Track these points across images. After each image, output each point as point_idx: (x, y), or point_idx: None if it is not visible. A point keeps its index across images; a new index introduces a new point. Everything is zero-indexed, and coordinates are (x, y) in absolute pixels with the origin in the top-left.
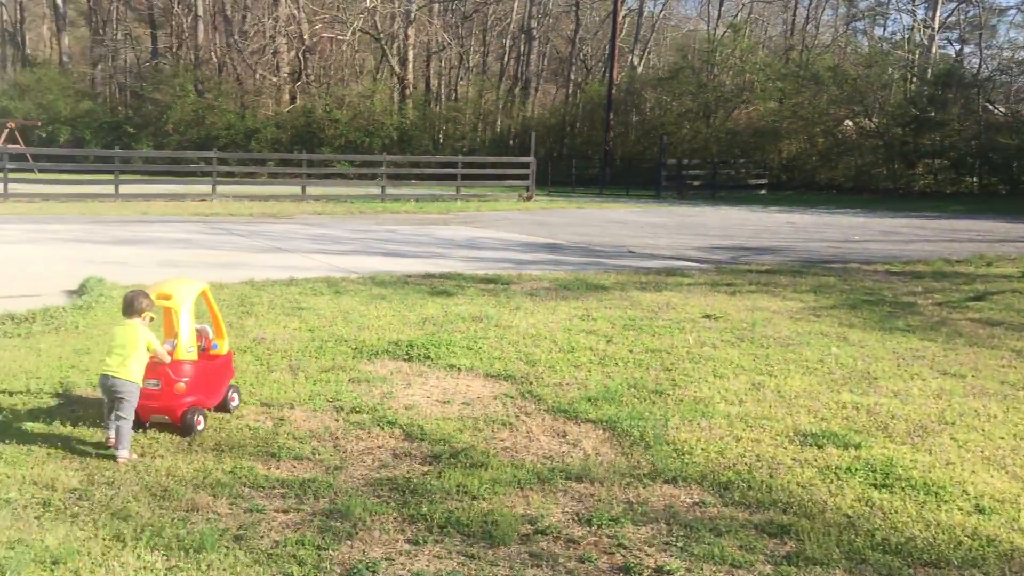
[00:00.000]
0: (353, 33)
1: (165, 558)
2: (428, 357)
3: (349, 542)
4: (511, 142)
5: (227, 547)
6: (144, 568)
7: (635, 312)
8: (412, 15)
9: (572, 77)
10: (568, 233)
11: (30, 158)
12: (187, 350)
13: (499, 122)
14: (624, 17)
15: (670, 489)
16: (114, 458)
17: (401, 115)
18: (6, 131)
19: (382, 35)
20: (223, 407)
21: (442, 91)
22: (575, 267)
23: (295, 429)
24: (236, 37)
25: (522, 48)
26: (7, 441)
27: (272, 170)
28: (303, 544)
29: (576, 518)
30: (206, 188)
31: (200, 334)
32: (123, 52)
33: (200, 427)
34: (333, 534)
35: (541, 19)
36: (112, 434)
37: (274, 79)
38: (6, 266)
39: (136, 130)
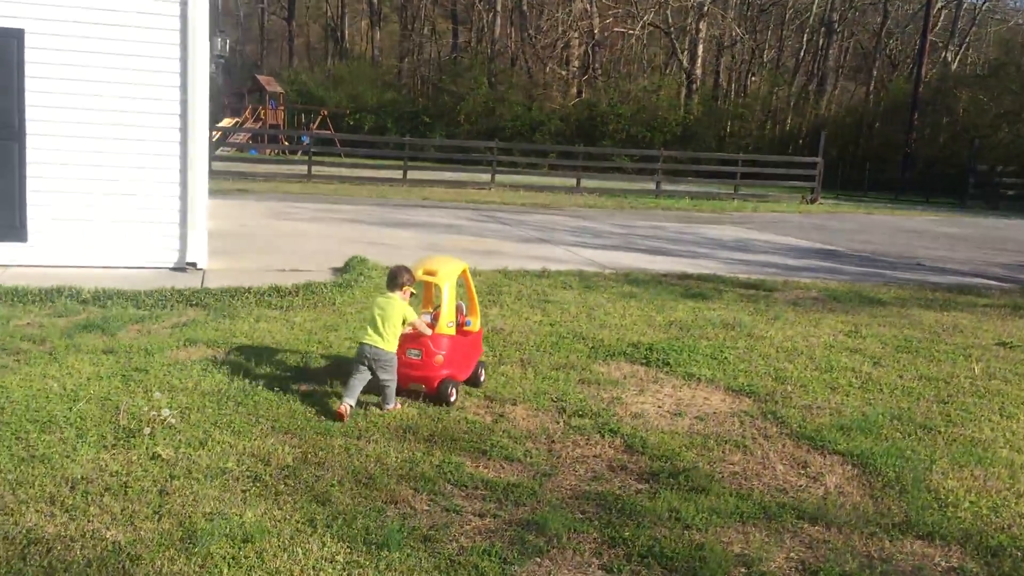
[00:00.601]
0: (643, 27)
1: (348, 550)
2: (667, 363)
3: (538, 559)
4: (800, 141)
5: (412, 547)
6: (325, 558)
7: (913, 332)
8: (705, 8)
9: (874, 74)
10: (849, 240)
11: (338, 143)
12: (447, 324)
13: (789, 120)
14: (940, 9)
15: (922, 546)
16: (380, 408)
17: (686, 111)
18: (319, 118)
19: (672, 29)
20: (473, 381)
21: (732, 87)
22: (851, 277)
23: (513, 427)
24: (531, 31)
25: (820, 42)
26: (237, 411)
27: (553, 162)
28: (490, 555)
29: (800, 567)
30: (486, 177)
31: (457, 310)
32: (427, 46)
33: (453, 398)
34: (523, 548)
35: (844, 11)
36: (351, 402)
37: (563, 73)
38: (287, 241)
39: (431, 120)
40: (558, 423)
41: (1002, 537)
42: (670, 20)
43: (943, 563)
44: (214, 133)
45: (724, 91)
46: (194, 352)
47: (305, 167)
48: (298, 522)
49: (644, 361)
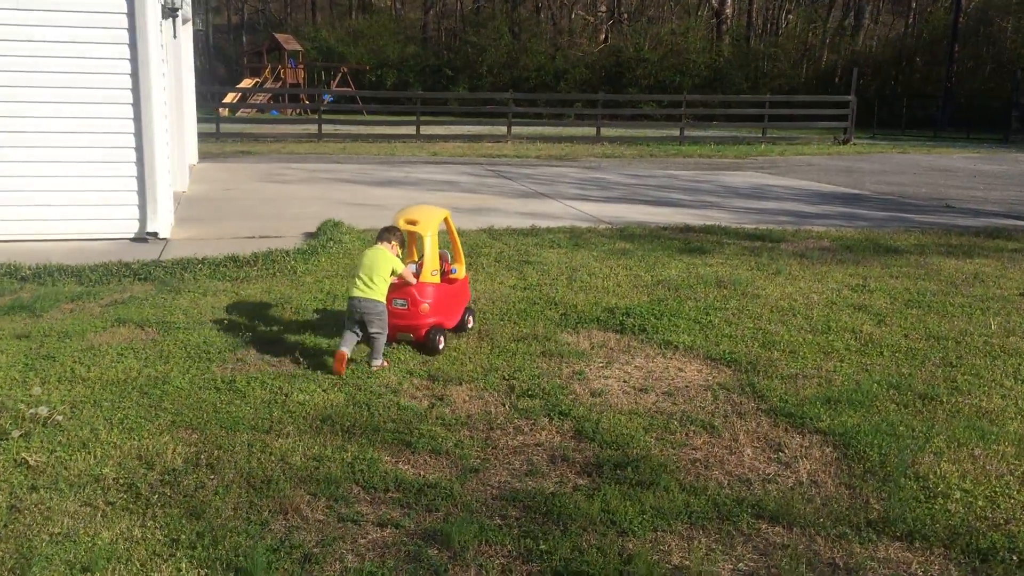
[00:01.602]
0: None
1: None
2: (644, 329)
3: None
4: (836, 80)
5: (286, 570)
6: None
7: (927, 284)
8: None
9: (913, 5)
10: (876, 182)
11: (359, 101)
12: (431, 273)
13: (825, 58)
14: None
15: (899, 550)
16: (368, 363)
17: (715, 53)
18: (339, 75)
19: None
20: (460, 327)
21: (765, 26)
22: (870, 224)
23: (450, 412)
24: None
25: None
26: (139, 403)
27: (579, 111)
28: None
29: None
30: (503, 130)
31: (441, 258)
32: None
33: (441, 346)
34: (419, 566)
35: None
36: (347, 350)
37: (590, 19)
38: (268, 206)
39: (454, 73)
40: (504, 405)
41: (996, 536)
42: None
43: (920, 572)
44: (233, 95)
45: (758, 31)
46: (118, 334)
47: (316, 126)
48: (158, 542)
49: (618, 328)
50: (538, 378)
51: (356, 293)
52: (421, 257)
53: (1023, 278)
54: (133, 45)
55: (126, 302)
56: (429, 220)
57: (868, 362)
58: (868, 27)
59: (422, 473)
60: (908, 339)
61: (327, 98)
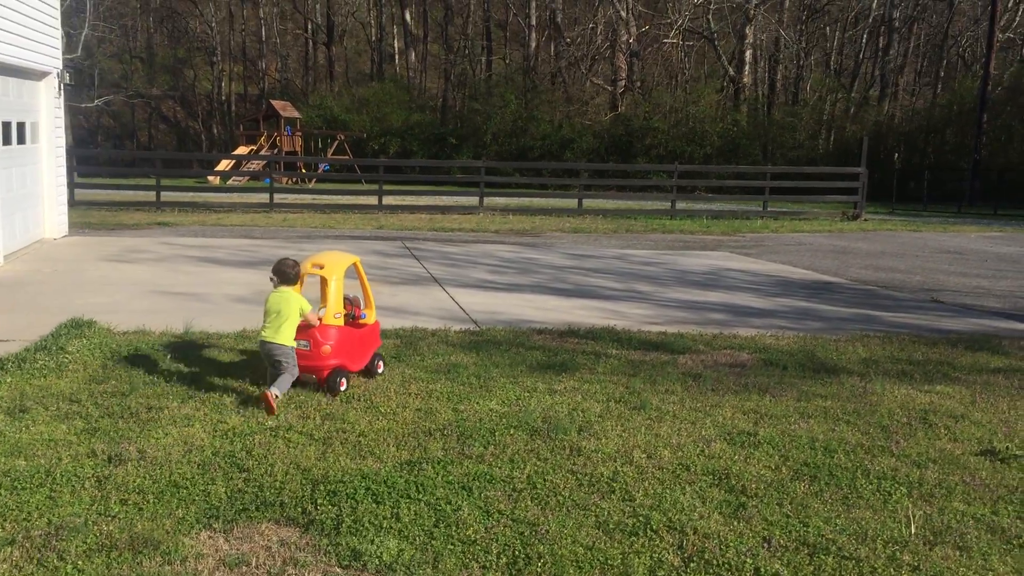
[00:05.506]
0: (678, 32)
1: None
2: (338, 526)
3: None
4: (858, 151)
5: None
6: None
7: (847, 433)
8: (751, 12)
9: (941, 74)
10: (864, 267)
11: (358, 169)
12: (334, 316)
13: (848, 129)
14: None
15: None
16: (266, 391)
17: (729, 122)
18: (335, 143)
19: (715, 34)
20: (368, 372)
21: (785, 96)
22: (823, 326)
23: None
24: (566, 42)
25: (880, 43)
26: None
27: (586, 182)
28: None
29: None
30: (475, 201)
31: (352, 303)
32: (459, 63)
33: (343, 388)
34: None
35: (906, 9)
36: (277, 391)
37: (607, 87)
38: (64, 294)
39: (458, 141)
40: None
41: None
42: (711, 24)
43: None
44: (226, 163)
45: (780, 99)
46: None
47: (267, 196)
48: None
49: (302, 522)
50: None
51: (264, 336)
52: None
53: (994, 420)
54: None
55: None
56: (335, 264)
57: None
58: (899, 97)
59: None
60: (765, 554)
61: (324, 167)
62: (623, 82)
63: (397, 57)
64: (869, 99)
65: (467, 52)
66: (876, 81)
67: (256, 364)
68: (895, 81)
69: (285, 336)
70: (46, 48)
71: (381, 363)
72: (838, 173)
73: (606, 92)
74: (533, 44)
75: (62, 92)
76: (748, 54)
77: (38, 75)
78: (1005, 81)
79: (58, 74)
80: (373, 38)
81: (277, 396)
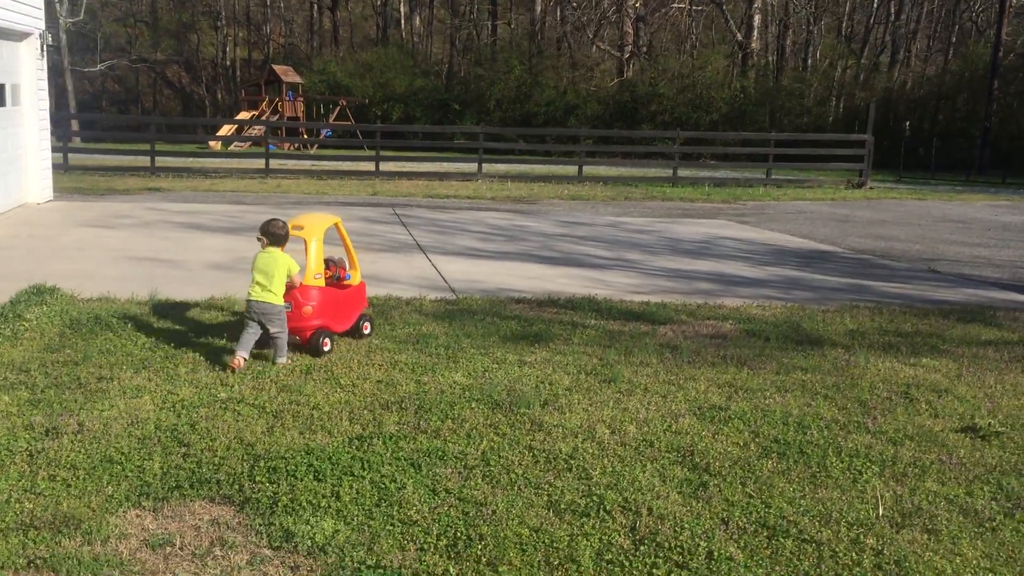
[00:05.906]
0: None
1: None
2: (274, 505)
3: None
4: (866, 118)
5: None
6: None
7: (823, 408)
8: None
9: (953, 40)
10: (863, 236)
11: (360, 135)
12: (314, 276)
13: (857, 96)
14: None
15: None
16: (272, 361)
17: (736, 88)
18: (337, 109)
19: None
20: (355, 333)
21: (794, 62)
22: (812, 295)
23: None
24: (573, 6)
25: (891, 8)
26: None
27: (589, 148)
28: None
29: None
30: (474, 167)
31: (336, 265)
32: (464, 27)
33: (327, 348)
34: None
35: None
36: (244, 355)
37: (614, 52)
38: (33, 259)
39: (462, 107)
40: None
41: None
42: None
43: None
44: (228, 128)
45: (788, 65)
46: None
47: (263, 162)
48: None
49: (237, 501)
50: None
51: (254, 296)
52: (329, 263)
53: (977, 399)
54: None
55: None
56: (315, 226)
57: None
58: (910, 63)
59: None
60: (722, 534)
61: (326, 133)
62: (629, 47)
63: (403, 22)
64: (879, 65)
65: (473, 16)
66: (887, 47)
67: (218, 332)
68: (907, 47)
69: (277, 296)
70: (27, 8)
71: (368, 324)
72: (844, 140)
73: (612, 58)
74: (539, 8)
75: (45, 54)
76: (757, 19)
77: (19, 35)
78: (1018, 47)
79: (40, 35)
80: (378, 2)
81: (282, 362)
